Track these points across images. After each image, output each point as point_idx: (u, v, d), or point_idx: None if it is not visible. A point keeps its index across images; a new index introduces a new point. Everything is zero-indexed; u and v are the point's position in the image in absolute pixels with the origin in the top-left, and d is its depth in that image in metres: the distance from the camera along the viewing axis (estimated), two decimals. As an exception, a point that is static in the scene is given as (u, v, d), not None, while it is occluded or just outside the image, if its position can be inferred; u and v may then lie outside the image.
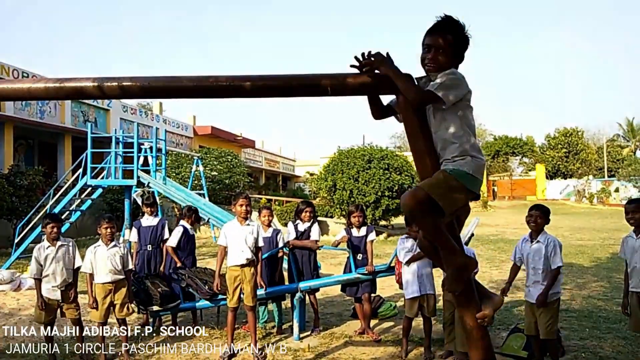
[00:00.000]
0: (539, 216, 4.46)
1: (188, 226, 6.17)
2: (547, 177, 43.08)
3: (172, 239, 5.98)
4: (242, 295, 5.10)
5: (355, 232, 5.77)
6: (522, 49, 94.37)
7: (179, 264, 5.86)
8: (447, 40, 2.23)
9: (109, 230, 5.00)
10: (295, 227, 5.91)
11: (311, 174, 26.78)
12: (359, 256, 5.70)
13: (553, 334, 4.36)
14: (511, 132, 54.22)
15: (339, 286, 6.00)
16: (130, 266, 5.14)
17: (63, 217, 10.96)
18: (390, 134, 68.78)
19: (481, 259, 10.78)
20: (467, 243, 5.11)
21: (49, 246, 4.96)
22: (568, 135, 47.20)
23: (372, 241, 5.73)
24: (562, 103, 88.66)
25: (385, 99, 2.38)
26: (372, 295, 5.88)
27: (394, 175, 16.27)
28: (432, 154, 2.09)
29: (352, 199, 16.00)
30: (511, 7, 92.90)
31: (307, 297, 5.88)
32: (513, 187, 42.56)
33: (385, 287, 7.23)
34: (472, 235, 5.52)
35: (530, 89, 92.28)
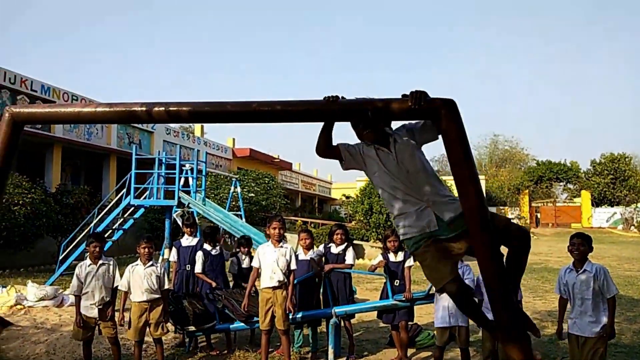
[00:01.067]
0: (581, 244, 4.28)
1: (209, 248, 6.21)
2: (592, 204, 41.55)
3: (197, 266, 6.05)
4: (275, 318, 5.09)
5: (392, 257, 5.68)
6: (567, 72, 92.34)
7: (213, 285, 5.91)
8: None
9: (146, 250, 5.13)
10: (328, 249, 5.88)
11: (347, 197, 26.73)
12: (396, 282, 5.60)
13: None
14: (555, 157, 52.78)
15: (375, 312, 5.90)
16: (167, 286, 5.21)
17: (106, 235, 11.29)
18: (428, 157, 68.15)
19: (524, 289, 10.38)
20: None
21: (90, 264, 5.09)
22: (615, 161, 45.51)
23: (409, 267, 5.62)
24: (609, 128, 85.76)
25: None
26: (410, 323, 5.75)
27: (432, 200, 16.03)
28: (475, 182, 2.05)
29: (389, 223, 15.83)
30: (560, 28, 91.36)
31: (342, 322, 5.80)
32: (557, 214, 41.19)
33: (423, 315, 7.05)
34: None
35: (575, 113, 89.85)
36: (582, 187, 42.53)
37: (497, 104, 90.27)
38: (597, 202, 42.63)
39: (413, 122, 2.68)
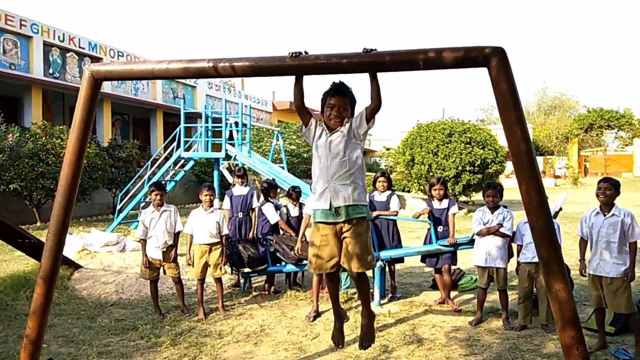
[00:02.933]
0: (607, 188, 4.32)
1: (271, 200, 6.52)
2: (646, 153, 39.80)
3: (274, 217, 6.33)
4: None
5: (436, 204, 5.83)
6: (621, 16, 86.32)
7: (293, 235, 6.15)
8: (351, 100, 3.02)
9: (208, 197, 5.50)
10: (372, 197, 6.08)
11: (388, 149, 26.63)
12: (440, 228, 5.78)
13: (633, 307, 4.24)
14: (607, 104, 50.21)
15: (418, 258, 6.13)
16: (225, 231, 5.59)
17: (160, 186, 11.88)
18: (472, 106, 66.52)
19: (568, 237, 10.39)
20: (554, 217, 5.04)
21: (153, 211, 5.51)
22: (672, 106, 42.99)
23: (454, 214, 5.78)
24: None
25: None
26: (453, 267, 5.95)
27: (477, 150, 15.86)
28: (522, 125, 2.15)
29: (431, 174, 15.85)
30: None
31: (386, 267, 6.07)
32: (607, 163, 39.77)
33: (466, 260, 7.24)
34: (560, 209, 5.42)
35: (631, 58, 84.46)
36: (634, 135, 40.65)
37: (549, 49, 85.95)
38: (650, 151, 40.79)
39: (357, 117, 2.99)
